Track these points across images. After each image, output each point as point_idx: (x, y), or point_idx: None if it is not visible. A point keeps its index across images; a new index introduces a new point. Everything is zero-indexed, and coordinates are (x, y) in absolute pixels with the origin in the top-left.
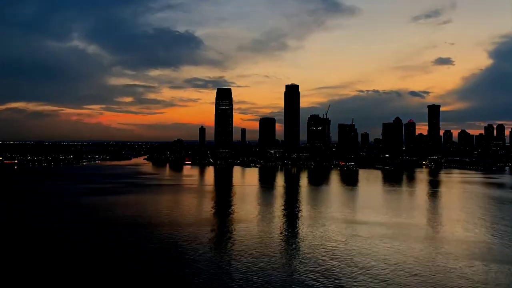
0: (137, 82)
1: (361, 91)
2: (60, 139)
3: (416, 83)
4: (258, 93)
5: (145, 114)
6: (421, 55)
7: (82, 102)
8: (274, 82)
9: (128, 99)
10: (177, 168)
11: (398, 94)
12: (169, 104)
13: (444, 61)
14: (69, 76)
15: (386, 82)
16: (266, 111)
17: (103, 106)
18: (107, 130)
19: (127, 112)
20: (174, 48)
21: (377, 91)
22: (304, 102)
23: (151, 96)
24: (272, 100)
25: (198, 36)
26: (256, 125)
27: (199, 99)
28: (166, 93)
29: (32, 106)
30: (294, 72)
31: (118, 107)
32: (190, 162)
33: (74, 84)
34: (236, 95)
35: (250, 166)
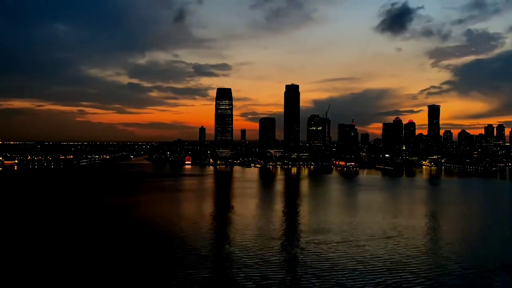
0: (122, 75)
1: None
2: (48, 139)
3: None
4: (261, 88)
5: (141, 114)
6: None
7: (63, 98)
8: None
9: (119, 97)
10: (178, 168)
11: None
12: (163, 103)
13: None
14: (38, 64)
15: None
16: (270, 110)
17: (93, 103)
18: (105, 130)
19: (122, 112)
20: (160, 25)
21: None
22: (305, 100)
23: (144, 93)
24: (276, 98)
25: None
26: (256, 125)
27: (197, 96)
28: (159, 89)
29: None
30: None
31: (110, 105)
32: (190, 162)
33: (50, 76)
34: (236, 90)
35: (250, 166)
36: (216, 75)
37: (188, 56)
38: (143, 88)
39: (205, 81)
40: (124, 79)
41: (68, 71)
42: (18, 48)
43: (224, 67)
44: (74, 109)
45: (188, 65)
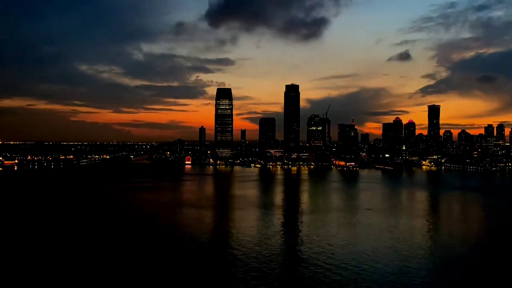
0: (116, 71)
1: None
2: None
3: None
4: (264, 84)
5: (139, 113)
6: None
7: (55, 97)
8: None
9: (114, 95)
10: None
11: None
12: (161, 101)
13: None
14: (25, 61)
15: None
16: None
17: (87, 102)
18: (102, 130)
19: (118, 111)
20: (156, 17)
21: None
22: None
23: (140, 91)
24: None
25: None
26: (256, 125)
27: (196, 94)
28: (156, 87)
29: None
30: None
31: (106, 104)
32: (190, 162)
33: (39, 74)
34: (237, 87)
35: (250, 166)
36: (215, 71)
37: (186, 50)
38: (139, 86)
39: (204, 77)
40: (119, 76)
41: (58, 68)
42: (3, 43)
43: (225, 62)
44: (68, 108)
45: (187, 59)
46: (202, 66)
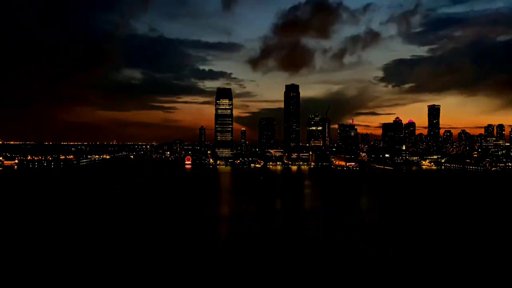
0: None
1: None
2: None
3: None
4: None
5: (141, 112)
6: None
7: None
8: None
9: (119, 95)
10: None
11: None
12: (158, 100)
13: None
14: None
15: None
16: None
17: (78, 100)
18: (104, 130)
19: (122, 111)
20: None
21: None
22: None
23: (135, 88)
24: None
25: None
26: (256, 124)
27: (199, 92)
28: (152, 84)
29: None
30: None
31: (99, 102)
32: (190, 162)
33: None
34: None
35: (250, 166)
36: (214, 57)
37: (183, 33)
38: (131, 82)
39: (203, 66)
40: (113, 73)
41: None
42: None
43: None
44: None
45: (182, 42)
46: (202, 57)
